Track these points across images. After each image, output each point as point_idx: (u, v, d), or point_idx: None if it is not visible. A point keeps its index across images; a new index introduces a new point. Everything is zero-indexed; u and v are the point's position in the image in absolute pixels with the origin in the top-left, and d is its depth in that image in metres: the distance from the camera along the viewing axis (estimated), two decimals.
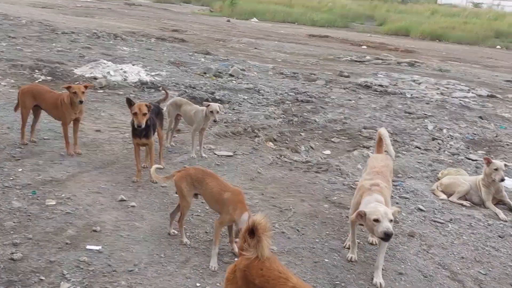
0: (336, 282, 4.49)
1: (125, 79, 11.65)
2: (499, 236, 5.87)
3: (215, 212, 4.94)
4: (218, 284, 4.21)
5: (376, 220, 4.20)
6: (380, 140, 5.80)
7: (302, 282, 2.90)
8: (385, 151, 5.81)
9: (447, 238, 5.67)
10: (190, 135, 7.63)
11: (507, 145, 10.20)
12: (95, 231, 4.80)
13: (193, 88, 11.72)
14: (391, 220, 4.23)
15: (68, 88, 6.56)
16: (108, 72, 11.72)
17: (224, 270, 4.12)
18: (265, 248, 2.96)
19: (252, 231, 3.02)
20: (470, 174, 7.78)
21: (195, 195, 4.87)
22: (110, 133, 7.92)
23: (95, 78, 11.36)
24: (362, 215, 4.34)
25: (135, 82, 11.56)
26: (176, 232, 4.97)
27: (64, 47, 15.46)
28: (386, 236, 4.16)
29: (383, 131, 5.84)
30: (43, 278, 3.95)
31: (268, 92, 12.28)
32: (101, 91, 10.67)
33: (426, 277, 4.76)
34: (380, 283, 4.50)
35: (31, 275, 3.97)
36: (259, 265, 2.97)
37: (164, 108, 7.54)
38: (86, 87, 6.65)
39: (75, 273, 4.08)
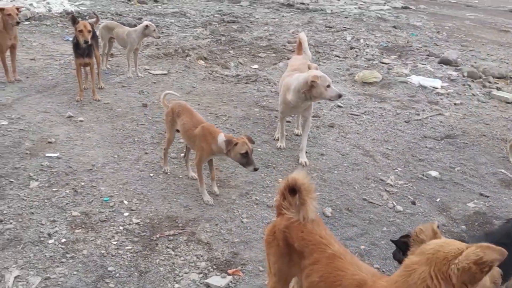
0: (269, 164, 5.32)
1: (49, 10, 11.47)
2: (405, 121, 6.93)
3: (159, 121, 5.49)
4: (167, 173, 4.91)
5: (328, 86, 4.99)
6: (300, 44, 6.48)
7: (343, 249, 2.57)
8: (304, 52, 6.52)
9: (361, 126, 6.64)
10: (124, 58, 7.98)
11: (417, 49, 11.35)
12: (50, 142, 5.26)
13: (120, 15, 11.77)
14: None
15: (0, 10, 6.55)
16: (31, 4, 11.44)
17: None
18: (310, 212, 2.61)
19: (293, 189, 2.68)
20: (382, 74, 8.78)
21: (177, 130, 4.80)
22: (45, 61, 8.06)
23: None
24: (314, 80, 4.96)
25: (60, 13, 11.43)
26: (194, 175, 4.82)
27: None
28: (339, 97, 5.11)
29: (302, 35, 6.51)
30: (12, 180, 4.44)
31: (194, 15, 12.56)
32: (27, 23, 10.51)
33: (343, 155, 5.71)
34: (305, 162, 5.38)
35: (1, 180, 4.45)
36: (300, 227, 2.63)
37: (97, 32, 7.75)
38: (18, 8, 6.71)
39: (40, 174, 4.60)
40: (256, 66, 9.18)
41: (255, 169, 4.28)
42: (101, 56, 7.77)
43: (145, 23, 7.47)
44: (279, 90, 5.98)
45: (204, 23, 11.90)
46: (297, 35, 6.63)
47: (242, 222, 4.21)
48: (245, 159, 4.22)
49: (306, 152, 5.55)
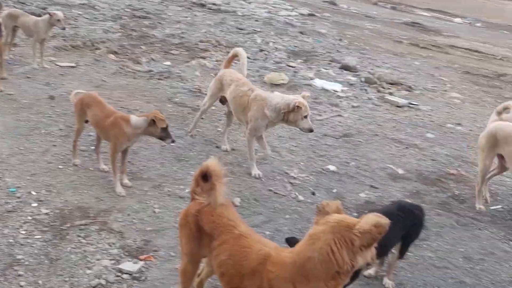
0: (181, 158, 5.51)
1: None
2: None
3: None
4: (76, 165, 4.91)
5: (305, 117, 5.09)
6: (233, 58, 6.24)
7: (249, 230, 2.81)
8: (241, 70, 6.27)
9: None
10: (28, 47, 7.69)
11: (321, 54, 12.06)
12: None
13: (23, 3, 11.20)
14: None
15: None
16: None
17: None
18: (219, 196, 2.78)
19: (205, 176, 2.86)
20: (289, 77, 9.30)
21: (86, 120, 4.81)
22: None
23: None
24: (300, 106, 4.98)
25: None
26: (105, 168, 4.86)
27: None
28: (309, 131, 5.29)
29: (242, 51, 6.24)
30: None
31: (103, 8, 12.32)
32: None
33: None
34: (225, 148, 5.69)
35: None
36: (210, 211, 2.81)
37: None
38: None
39: None
40: (168, 62, 9.25)
41: (173, 141, 4.62)
42: (3, 45, 7.41)
43: (50, 12, 7.27)
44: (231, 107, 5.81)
45: (114, 16, 11.71)
46: (233, 49, 6.41)
47: (154, 212, 4.36)
48: (165, 133, 4.46)
49: (217, 147, 5.85)
